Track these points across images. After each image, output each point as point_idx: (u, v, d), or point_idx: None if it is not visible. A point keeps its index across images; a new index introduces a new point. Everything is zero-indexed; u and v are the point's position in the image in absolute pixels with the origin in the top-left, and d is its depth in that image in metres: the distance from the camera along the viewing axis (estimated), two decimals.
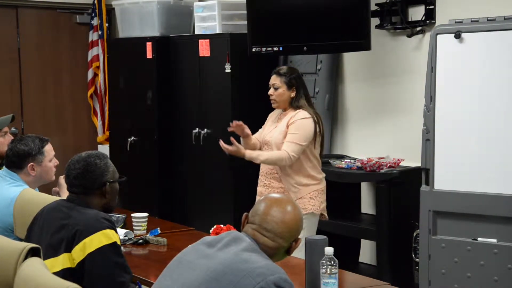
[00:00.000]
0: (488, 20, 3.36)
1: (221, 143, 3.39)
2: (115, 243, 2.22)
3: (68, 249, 2.22)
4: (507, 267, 3.21)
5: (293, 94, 3.39)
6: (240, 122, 3.45)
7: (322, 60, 4.43)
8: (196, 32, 4.81)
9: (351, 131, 4.45)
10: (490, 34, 3.31)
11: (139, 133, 5.13)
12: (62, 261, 2.21)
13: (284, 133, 3.35)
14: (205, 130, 4.69)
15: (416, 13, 4.01)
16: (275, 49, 4.23)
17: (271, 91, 3.42)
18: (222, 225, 2.94)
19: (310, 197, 3.38)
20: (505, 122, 3.28)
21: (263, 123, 4.67)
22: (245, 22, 4.35)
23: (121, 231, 3.06)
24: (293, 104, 3.39)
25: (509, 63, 3.28)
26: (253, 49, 4.29)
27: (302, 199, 3.37)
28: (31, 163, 2.94)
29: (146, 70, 5.01)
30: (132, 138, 5.13)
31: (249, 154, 3.35)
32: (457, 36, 3.38)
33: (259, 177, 3.53)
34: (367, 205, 4.33)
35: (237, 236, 1.89)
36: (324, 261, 2.20)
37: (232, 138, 3.34)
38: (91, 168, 2.33)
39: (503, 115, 3.28)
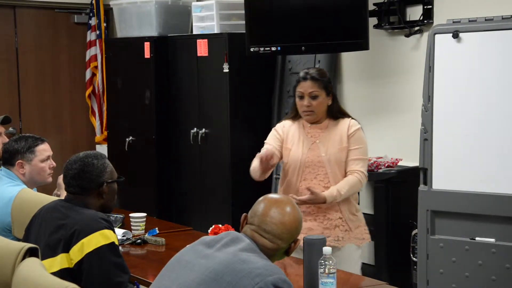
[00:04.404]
0: (485, 19, 3.36)
1: (294, 197, 2.78)
2: (113, 243, 2.22)
3: (66, 249, 2.22)
4: (505, 267, 3.21)
5: (330, 101, 2.88)
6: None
7: (320, 60, 4.43)
8: (194, 32, 4.81)
9: None
10: (488, 34, 3.31)
11: (137, 133, 5.13)
12: (60, 261, 2.21)
13: (345, 149, 2.84)
14: (203, 130, 4.69)
15: (414, 12, 4.01)
16: (273, 49, 4.23)
17: (307, 102, 2.84)
18: (220, 225, 2.94)
19: (365, 224, 2.98)
20: (503, 122, 3.29)
21: (260, 124, 4.70)
22: (243, 22, 4.35)
23: (119, 231, 3.06)
24: (333, 113, 2.88)
25: (506, 62, 3.28)
26: (251, 49, 4.28)
27: (359, 228, 2.93)
28: (20, 161, 2.95)
29: (144, 70, 5.01)
30: (130, 138, 5.13)
31: (329, 196, 2.77)
32: (455, 35, 3.38)
33: None
34: (365, 205, 4.33)
35: (236, 236, 1.89)
36: (322, 261, 2.20)
37: (307, 187, 2.78)
38: (88, 168, 2.33)
39: (501, 114, 3.29)
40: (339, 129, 2.86)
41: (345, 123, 2.88)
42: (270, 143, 2.96)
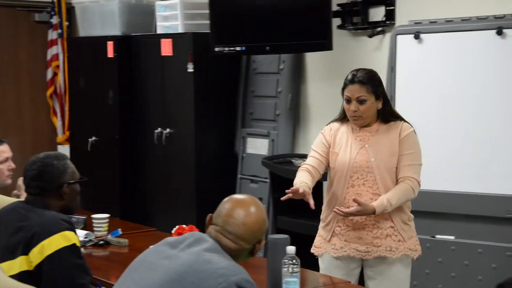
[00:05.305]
0: (446, 21, 3.43)
1: (341, 209, 2.60)
2: (74, 245, 2.19)
3: (25, 252, 2.18)
4: (464, 264, 3.29)
5: (380, 105, 2.67)
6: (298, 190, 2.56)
7: (284, 60, 4.44)
8: (158, 32, 4.77)
9: (313, 130, 4.47)
10: (448, 35, 3.38)
11: (100, 133, 5.07)
12: (19, 263, 2.17)
13: (396, 154, 2.63)
14: (168, 129, 4.66)
15: (377, 13, 4.06)
16: (238, 48, 4.22)
17: (354, 106, 2.65)
18: (184, 226, 2.92)
19: (416, 234, 2.75)
20: (463, 121, 3.36)
21: (225, 124, 4.70)
22: (208, 22, 4.34)
23: (81, 233, 3.02)
24: (384, 117, 2.69)
25: (465, 63, 3.35)
26: (216, 49, 4.27)
27: (412, 239, 2.72)
28: None
29: (108, 70, 4.95)
30: (93, 138, 5.07)
31: (378, 206, 2.57)
32: (416, 36, 3.44)
33: (324, 226, 2.76)
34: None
35: (200, 237, 1.88)
36: (286, 260, 2.21)
37: (354, 199, 2.59)
38: (48, 169, 2.29)
39: (461, 114, 3.36)
40: (390, 133, 2.67)
41: (397, 126, 2.68)
42: (317, 150, 2.77)
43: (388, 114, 2.70)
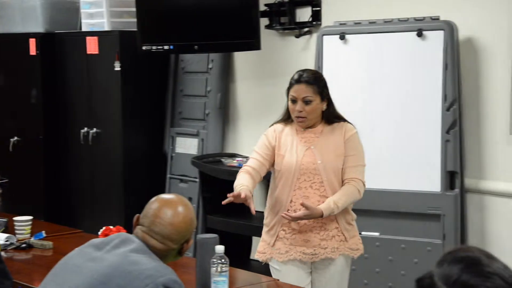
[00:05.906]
0: (369, 22, 3.52)
1: (289, 214, 2.57)
2: None
3: None
4: (388, 259, 3.40)
5: (325, 106, 2.67)
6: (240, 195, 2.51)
7: (213, 59, 4.44)
8: (84, 29, 4.66)
9: (242, 129, 4.49)
10: (371, 36, 3.47)
11: (23, 133, 4.91)
12: None
13: (342, 155, 2.64)
14: (94, 129, 4.56)
15: (304, 14, 4.12)
16: (166, 47, 4.19)
17: (299, 106, 2.62)
18: (111, 227, 2.87)
19: (359, 234, 2.77)
20: (386, 120, 3.46)
21: (154, 123, 4.65)
22: (135, 20, 4.28)
23: (2, 236, 2.92)
24: (328, 118, 2.68)
25: (387, 63, 3.46)
26: (143, 47, 4.22)
27: (355, 238, 2.74)
28: None
29: (30, 68, 4.80)
30: (15, 138, 4.90)
31: (326, 209, 2.56)
32: (342, 37, 3.52)
33: (267, 230, 2.73)
34: (257, 203, 4.40)
35: (126, 238, 1.85)
36: (214, 260, 2.21)
37: (301, 203, 2.55)
38: None
39: (384, 114, 3.46)
40: (334, 135, 2.66)
41: (340, 128, 2.67)
42: (259, 151, 2.71)
43: (332, 116, 2.69)
